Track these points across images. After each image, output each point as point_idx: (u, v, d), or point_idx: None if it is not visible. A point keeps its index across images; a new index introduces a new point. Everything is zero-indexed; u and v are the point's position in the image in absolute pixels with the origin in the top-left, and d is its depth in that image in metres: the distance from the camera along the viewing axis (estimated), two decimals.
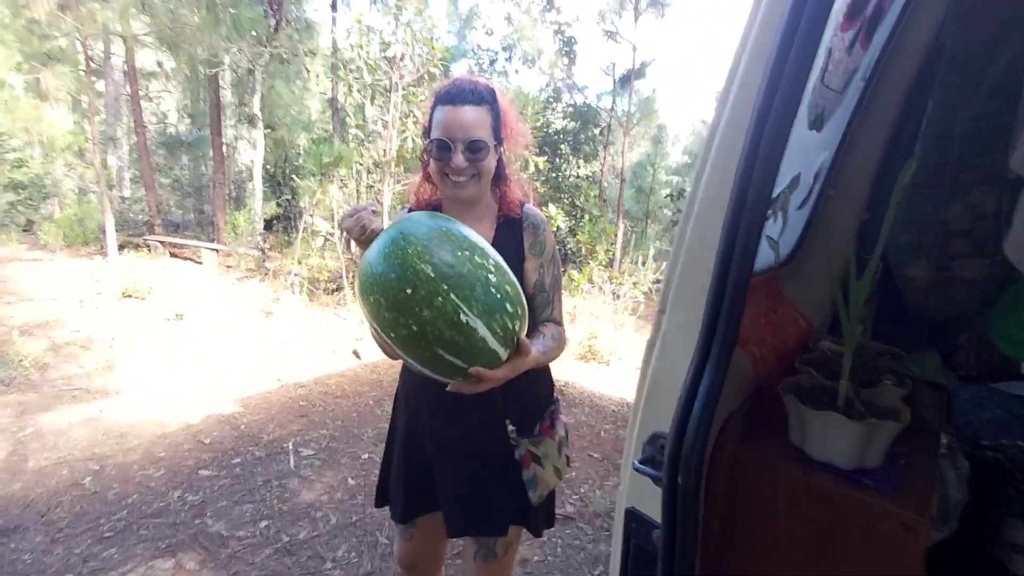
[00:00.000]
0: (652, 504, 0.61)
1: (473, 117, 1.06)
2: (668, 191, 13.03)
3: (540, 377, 1.31)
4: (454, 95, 1.07)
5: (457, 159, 1.07)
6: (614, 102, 11.01)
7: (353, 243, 1.01)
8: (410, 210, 1.24)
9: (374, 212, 0.98)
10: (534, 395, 1.27)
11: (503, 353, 0.90)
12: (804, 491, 0.60)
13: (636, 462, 0.60)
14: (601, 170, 11.84)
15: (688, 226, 0.61)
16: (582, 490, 2.88)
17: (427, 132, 1.14)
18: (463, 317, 0.80)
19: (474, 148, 1.06)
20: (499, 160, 1.16)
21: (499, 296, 0.85)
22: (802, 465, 0.63)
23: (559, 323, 1.24)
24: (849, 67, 0.88)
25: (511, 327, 0.88)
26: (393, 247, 0.84)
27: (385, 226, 0.94)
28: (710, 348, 0.50)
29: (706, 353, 0.51)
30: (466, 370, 0.86)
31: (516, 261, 1.16)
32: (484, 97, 1.09)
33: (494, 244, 1.15)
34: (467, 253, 0.85)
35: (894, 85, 0.98)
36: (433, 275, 0.80)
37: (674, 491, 0.51)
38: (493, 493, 1.19)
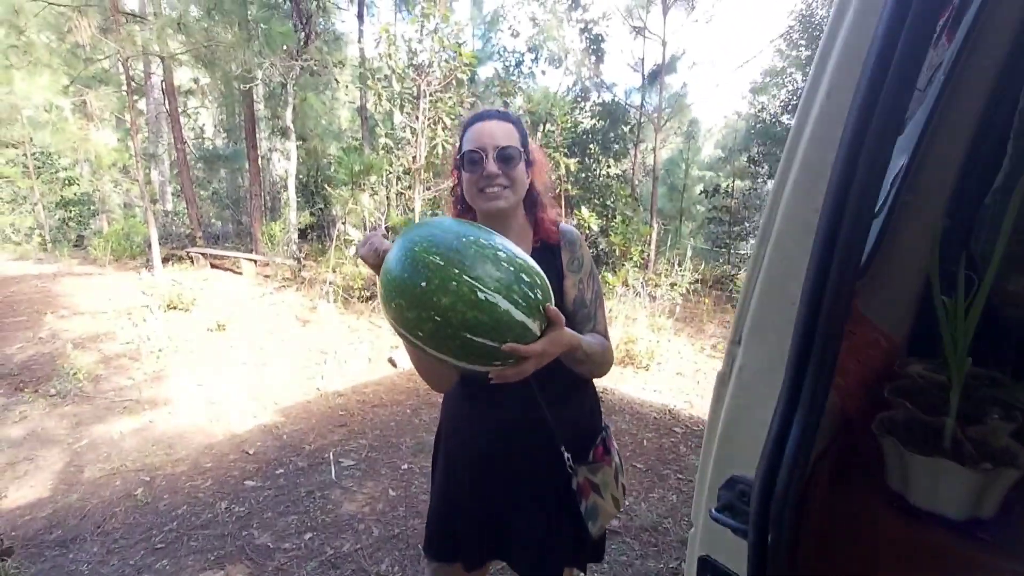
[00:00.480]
0: (729, 554, 0.56)
1: (501, 128, 1.10)
2: (702, 187, 12.73)
3: (588, 400, 1.27)
4: (480, 114, 1.13)
5: (490, 166, 1.08)
6: (643, 99, 10.83)
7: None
8: None
9: (384, 236, 0.99)
10: (585, 419, 1.23)
11: (532, 325, 0.88)
12: (911, 546, 0.53)
13: (713, 510, 0.55)
14: (632, 168, 11.66)
15: (766, 250, 0.55)
16: (627, 502, 2.80)
17: (457, 165, 1.16)
18: (481, 295, 0.81)
19: (505, 156, 1.08)
20: (531, 184, 1.17)
21: (512, 269, 0.86)
22: (906, 516, 0.56)
23: (603, 335, 1.19)
24: (934, 62, 0.80)
25: (532, 295, 0.87)
26: (401, 250, 0.86)
27: None
28: (801, 385, 0.45)
29: (797, 391, 0.45)
30: (499, 349, 0.84)
31: (556, 281, 1.14)
32: (509, 116, 1.14)
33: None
34: (471, 238, 0.86)
35: (978, 77, 0.89)
36: (442, 263, 0.81)
37: (762, 546, 0.45)
38: (551, 526, 1.14)
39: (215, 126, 15.18)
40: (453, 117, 5.01)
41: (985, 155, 0.95)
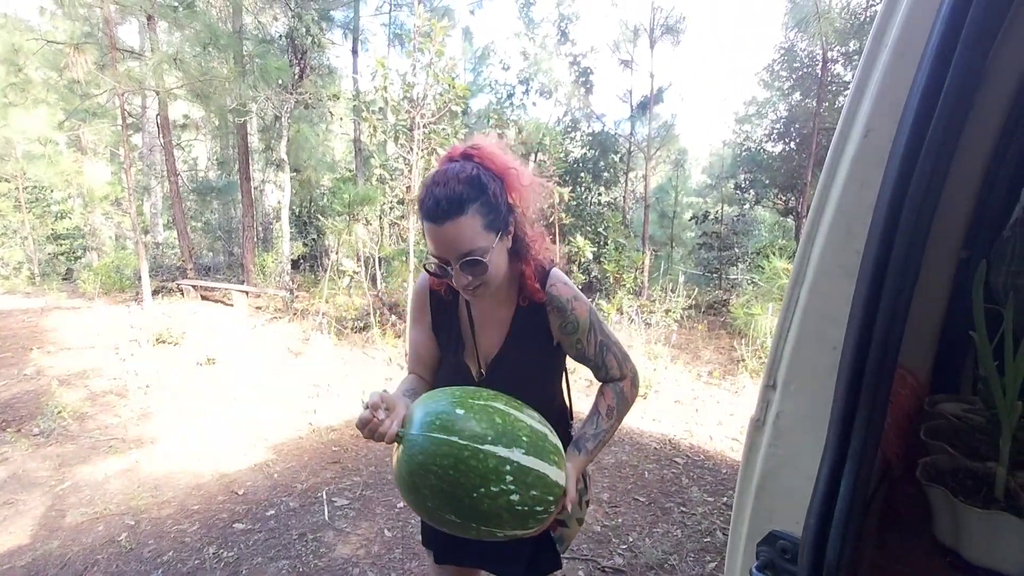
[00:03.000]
0: None
1: (457, 233, 0.95)
2: (691, 214, 12.90)
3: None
4: (430, 212, 0.95)
5: (458, 279, 0.99)
6: (632, 128, 11.03)
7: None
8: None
9: (386, 410, 0.91)
10: None
11: (556, 475, 0.97)
12: None
13: (754, 569, 0.50)
14: (623, 196, 11.80)
15: (800, 292, 0.52)
16: (630, 539, 2.71)
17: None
18: (500, 533, 0.92)
19: (470, 264, 0.97)
20: (514, 236, 1.06)
21: (527, 493, 0.92)
22: (961, 573, 0.51)
23: (619, 378, 1.18)
24: None
25: (544, 507, 0.95)
26: (414, 497, 0.91)
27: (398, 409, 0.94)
28: (850, 435, 0.41)
29: (845, 441, 0.42)
30: (545, 515, 0.95)
31: (543, 341, 1.13)
32: (463, 201, 0.94)
33: (513, 327, 1.13)
34: (481, 489, 0.89)
35: (991, 108, 0.89)
36: (459, 521, 0.90)
37: None
38: (523, 554, 1.19)
39: (209, 158, 15.25)
40: (446, 149, 5.06)
41: (1007, 180, 0.94)
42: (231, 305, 8.07)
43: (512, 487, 0.89)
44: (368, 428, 0.88)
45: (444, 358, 1.20)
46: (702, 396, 5.04)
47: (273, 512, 2.98)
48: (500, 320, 1.14)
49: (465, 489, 0.87)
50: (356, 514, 2.96)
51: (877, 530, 0.57)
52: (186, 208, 11.13)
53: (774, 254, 6.26)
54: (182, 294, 8.37)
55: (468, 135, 6.14)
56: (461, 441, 0.88)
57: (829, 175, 0.53)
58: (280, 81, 6.74)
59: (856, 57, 11.01)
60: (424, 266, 1.04)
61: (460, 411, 0.93)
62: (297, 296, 8.09)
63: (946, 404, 0.74)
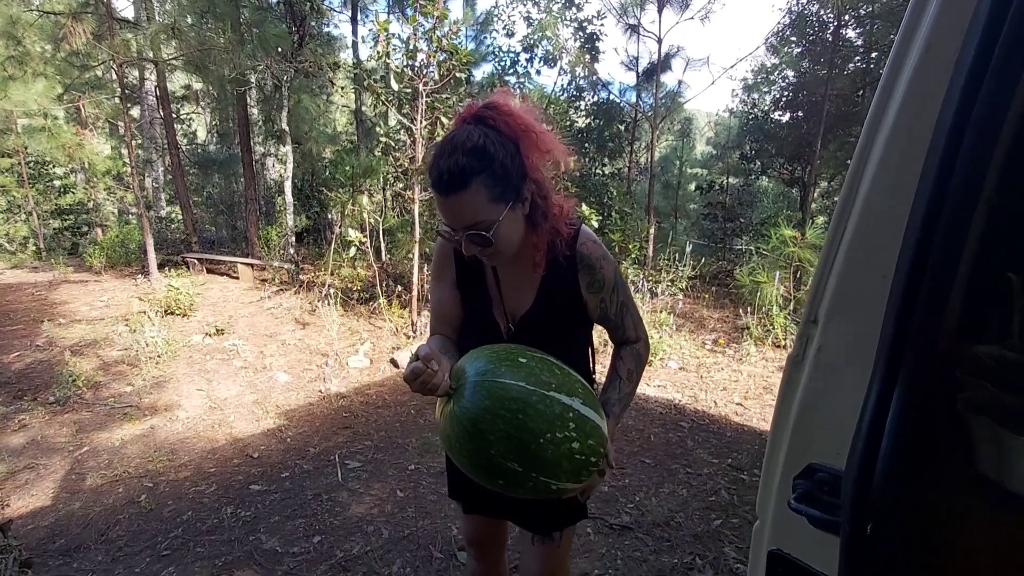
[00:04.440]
0: (804, 547, 0.52)
1: (461, 206, 0.94)
2: (696, 184, 12.75)
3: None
4: (436, 183, 0.94)
5: (466, 249, 0.99)
6: (638, 97, 10.82)
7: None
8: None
9: (436, 367, 0.89)
10: None
11: (605, 427, 1.00)
12: (1017, 536, 0.48)
13: (793, 500, 0.51)
14: (628, 167, 11.66)
15: (849, 221, 0.52)
16: (637, 498, 2.78)
17: None
18: (554, 486, 0.92)
19: (475, 237, 0.97)
20: (532, 202, 1.02)
21: (578, 456, 0.93)
22: (1006, 503, 0.51)
23: (635, 340, 1.20)
24: None
25: (593, 454, 0.96)
26: (475, 444, 0.90)
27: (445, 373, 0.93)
28: (900, 363, 0.42)
29: (895, 369, 0.42)
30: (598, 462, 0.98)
31: (573, 299, 1.12)
32: (468, 173, 0.91)
33: (543, 285, 1.12)
34: (545, 435, 0.89)
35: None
36: (521, 470, 0.88)
37: (858, 539, 0.42)
38: (550, 504, 1.19)
39: (208, 131, 15.09)
40: (450, 117, 4.99)
41: None
42: (236, 278, 8.10)
43: (574, 434, 0.90)
44: (420, 380, 0.86)
45: (470, 315, 1.19)
46: (706, 363, 5.08)
47: (287, 474, 3.06)
48: (529, 277, 1.12)
49: (532, 434, 0.87)
50: (369, 476, 3.03)
51: (914, 461, 0.57)
52: (188, 182, 11.07)
53: (780, 223, 6.21)
54: (187, 267, 8.40)
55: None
56: (529, 387, 0.89)
57: (884, 96, 0.51)
58: (279, 49, 6.60)
59: (870, 21, 10.70)
60: (437, 231, 1.04)
61: (523, 359, 0.94)
62: (302, 268, 8.10)
63: (980, 347, 0.74)
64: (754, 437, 3.59)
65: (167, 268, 8.16)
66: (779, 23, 11.58)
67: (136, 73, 10.84)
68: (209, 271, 8.50)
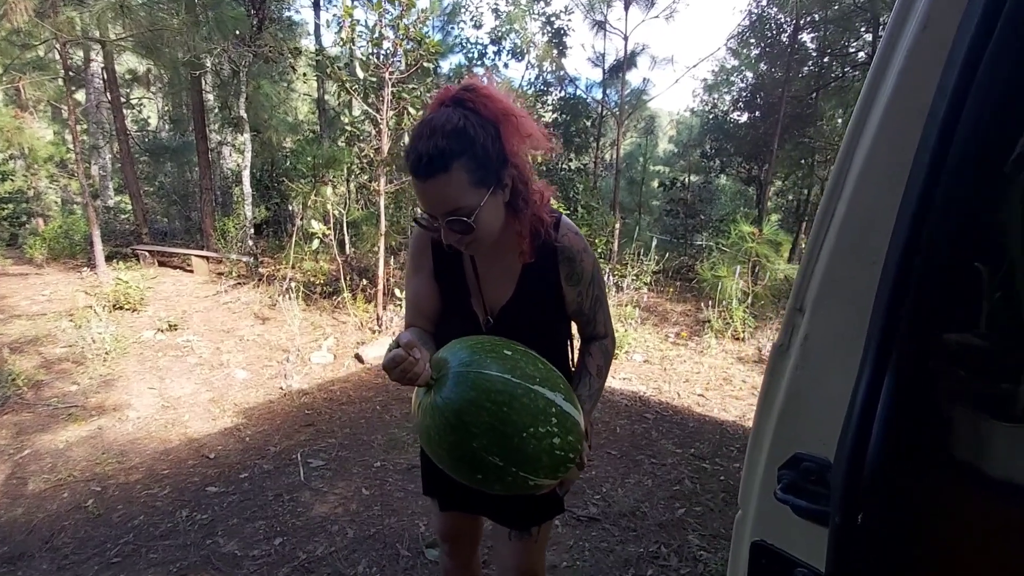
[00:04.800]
0: (789, 537, 0.53)
1: (441, 191, 0.90)
2: (659, 181, 12.99)
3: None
4: (413, 167, 0.91)
5: (446, 237, 0.96)
6: (604, 93, 10.93)
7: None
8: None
9: (419, 355, 0.86)
10: None
11: (582, 424, 0.99)
12: (996, 520, 0.48)
13: (779, 491, 0.51)
14: (594, 162, 11.76)
15: (837, 207, 0.51)
16: (604, 489, 2.81)
17: None
18: (531, 482, 0.91)
19: (455, 224, 0.93)
20: (513, 189, 1.00)
21: (558, 452, 0.92)
22: (984, 489, 0.52)
23: (603, 336, 1.19)
24: None
25: (571, 453, 0.95)
26: (456, 436, 0.88)
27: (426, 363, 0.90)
28: (891, 349, 0.42)
29: (886, 356, 0.42)
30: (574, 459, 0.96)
31: (553, 291, 1.11)
32: (448, 157, 0.88)
33: (523, 276, 1.09)
34: (528, 431, 0.88)
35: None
36: (501, 465, 0.87)
37: (848, 529, 0.42)
38: (528, 501, 1.19)
39: (161, 117, 14.38)
40: (418, 108, 4.90)
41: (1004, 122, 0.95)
42: (191, 271, 7.78)
43: (555, 430, 0.89)
44: (400, 368, 0.83)
45: (448, 307, 1.16)
46: (670, 356, 5.19)
47: (247, 475, 2.96)
48: (508, 268, 1.10)
49: (516, 428, 0.85)
50: (332, 474, 2.96)
51: (904, 449, 0.58)
52: (138, 170, 10.53)
53: (738, 219, 6.39)
54: (138, 260, 8.01)
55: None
56: (515, 379, 0.88)
57: (877, 75, 0.50)
58: (237, 32, 6.31)
59: (823, 26, 11.10)
60: (414, 219, 1.01)
61: (508, 352, 0.92)
62: (261, 262, 7.84)
63: (951, 335, 0.75)
64: (715, 427, 3.69)
65: (115, 261, 7.74)
66: (739, 25, 11.88)
67: (81, 54, 10.21)
68: (161, 264, 8.13)
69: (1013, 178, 0.45)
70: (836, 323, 0.51)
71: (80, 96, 10.82)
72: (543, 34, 9.83)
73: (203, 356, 4.79)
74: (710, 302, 6.07)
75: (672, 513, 2.63)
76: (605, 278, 6.41)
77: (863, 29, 10.83)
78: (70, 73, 7.26)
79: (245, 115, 7.13)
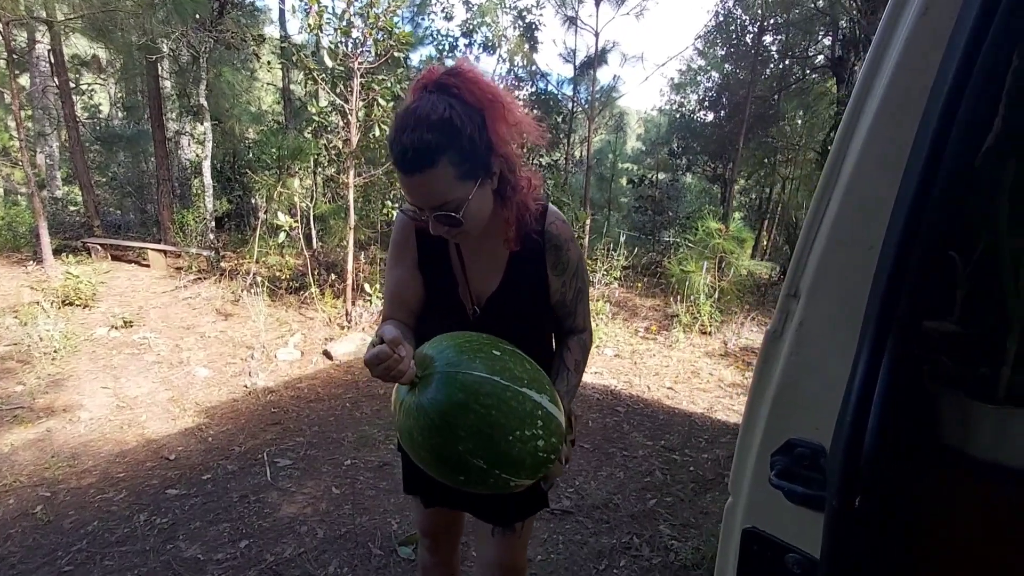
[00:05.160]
0: (781, 524, 0.53)
1: (428, 185, 0.88)
2: (627, 178, 13.15)
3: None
4: (399, 160, 0.88)
5: (434, 228, 0.94)
6: (575, 89, 10.97)
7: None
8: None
9: (403, 352, 0.83)
10: None
11: (564, 425, 0.97)
12: (983, 500, 0.49)
13: (773, 477, 0.51)
14: (565, 158, 11.81)
15: (833, 193, 0.51)
16: (576, 483, 2.82)
17: None
18: (513, 483, 0.89)
19: (443, 218, 0.92)
20: (501, 176, 0.97)
21: (540, 454, 0.90)
22: (969, 470, 0.53)
23: (581, 329, 1.18)
24: None
25: (551, 452, 0.94)
26: (441, 439, 0.86)
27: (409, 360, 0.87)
28: (886, 337, 0.42)
29: (883, 339, 0.42)
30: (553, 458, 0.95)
31: (538, 279, 1.09)
32: (434, 151, 0.85)
33: (510, 265, 1.07)
34: (514, 434, 0.87)
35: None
36: (485, 467, 0.85)
37: (844, 513, 0.42)
38: (513, 496, 1.15)
39: (114, 104, 13.69)
40: (388, 99, 4.79)
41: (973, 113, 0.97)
42: (147, 265, 7.45)
43: (540, 432, 0.88)
44: (384, 366, 0.80)
45: (433, 298, 1.13)
46: (640, 350, 5.26)
47: (210, 476, 2.85)
48: (495, 257, 1.07)
49: (503, 431, 0.84)
50: (301, 474, 2.88)
51: (901, 433, 0.58)
52: (89, 159, 10.01)
53: (707, 216, 6.53)
54: (89, 254, 7.61)
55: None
56: (503, 381, 0.85)
57: (875, 61, 0.50)
58: (197, 16, 6.04)
59: (785, 29, 11.42)
60: (400, 208, 0.97)
61: (496, 352, 0.90)
62: (223, 256, 7.57)
63: (929, 323, 0.77)
64: (684, 419, 3.76)
65: (64, 254, 7.34)
66: (706, 26, 12.13)
67: (25, 35, 9.61)
68: (115, 258, 7.75)
69: (984, 171, 0.46)
70: (831, 309, 0.51)
71: (24, 80, 10.21)
72: (515, 28, 9.80)
73: (161, 354, 4.59)
74: (678, 297, 6.18)
75: (644, 504, 2.66)
76: None
77: (822, 33, 11.20)
78: (14, 56, 6.83)
79: (206, 103, 6.85)
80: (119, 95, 13.12)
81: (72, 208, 10.78)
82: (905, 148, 0.43)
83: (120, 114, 13.12)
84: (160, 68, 8.27)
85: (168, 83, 10.01)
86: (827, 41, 11.08)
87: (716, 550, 2.10)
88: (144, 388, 3.98)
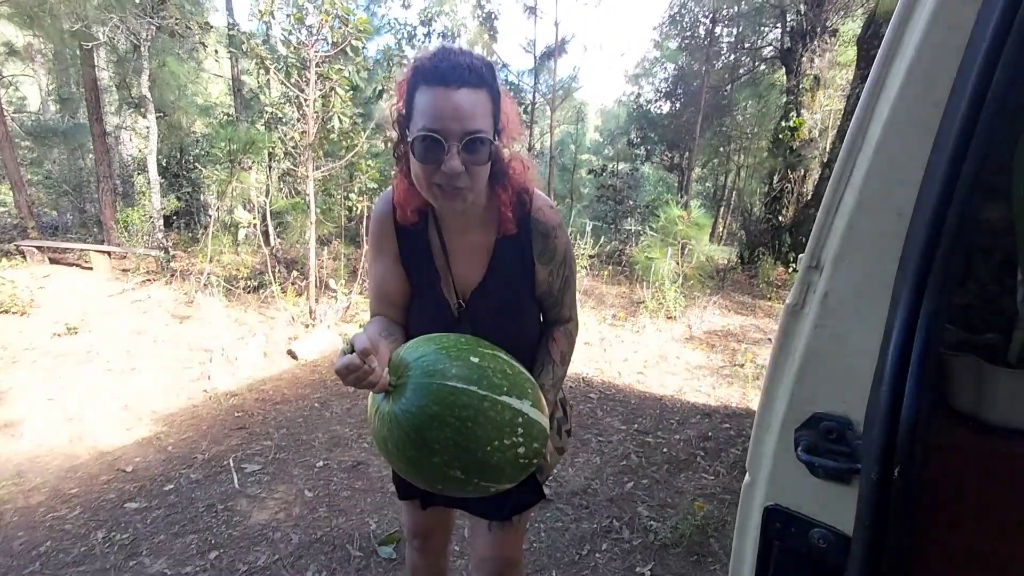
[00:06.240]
0: (803, 499, 0.52)
1: (471, 103, 0.82)
2: (588, 168, 13.26)
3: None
4: (446, 73, 0.81)
5: (452, 161, 0.84)
6: (536, 80, 10.94)
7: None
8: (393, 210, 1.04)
9: (375, 363, 0.79)
10: None
11: (547, 426, 0.96)
12: (1000, 463, 0.50)
13: (801, 452, 0.50)
14: (528, 149, 11.81)
15: (859, 160, 0.50)
16: (555, 470, 2.83)
17: (402, 120, 0.90)
18: (492, 488, 0.89)
19: (472, 146, 0.84)
20: (497, 156, 0.95)
21: (522, 460, 0.89)
22: (985, 434, 0.53)
23: (567, 320, 1.16)
24: None
25: (533, 458, 0.93)
26: (417, 452, 0.83)
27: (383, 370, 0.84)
28: (919, 306, 0.41)
29: (916, 308, 0.41)
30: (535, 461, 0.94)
31: (524, 268, 1.05)
32: (484, 76, 0.84)
33: (495, 255, 1.03)
34: (491, 444, 0.85)
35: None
36: (462, 477, 0.84)
37: (886, 484, 0.41)
38: (510, 491, 1.12)
39: (45, 96, 12.77)
40: (347, 89, 4.63)
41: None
42: (90, 268, 7.00)
43: (520, 439, 0.85)
44: (355, 376, 0.76)
45: (416, 292, 1.08)
46: (609, 337, 5.33)
47: (172, 486, 2.71)
48: (479, 247, 1.03)
49: (480, 442, 0.81)
50: (271, 478, 2.78)
51: (937, 402, 0.57)
52: (19, 156, 9.32)
53: (670, 203, 6.65)
54: (24, 257, 7.10)
55: (370, 77, 5.69)
56: (481, 391, 0.82)
57: (904, 15, 0.48)
58: (136, 1, 5.67)
59: (738, 20, 11.73)
60: (414, 140, 0.85)
61: (474, 359, 0.86)
62: (174, 256, 7.21)
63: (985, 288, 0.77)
64: (655, 402, 3.83)
65: None
66: (663, 17, 12.33)
67: None
68: (53, 261, 7.26)
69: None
70: (857, 278, 0.50)
71: None
72: (474, 17, 9.67)
73: (111, 361, 4.33)
74: (644, 284, 6.28)
75: (621, 488, 2.69)
76: None
77: (771, 26, 11.55)
78: None
79: (149, 95, 6.45)
80: (51, 86, 12.24)
81: (2, 209, 10.03)
82: (937, 110, 0.42)
83: (54, 107, 12.25)
84: (96, 57, 7.74)
85: (106, 74, 9.39)
86: (776, 33, 11.44)
87: (693, 528, 2.12)
88: (94, 398, 3.74)
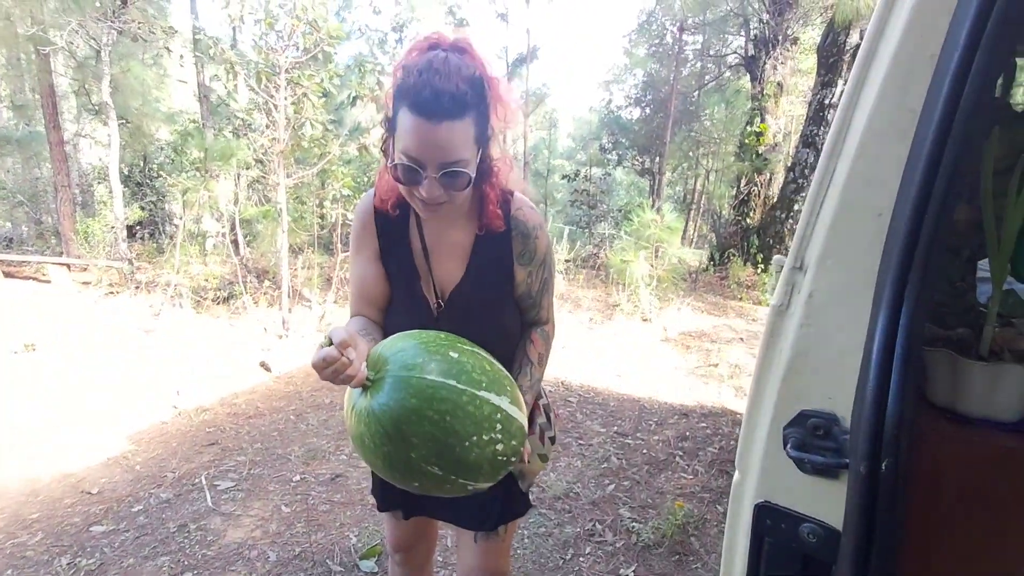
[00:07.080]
0: (793, 495, 0.53)
1: (450, 138, 0.82)
2: (562, 174, 13.39)
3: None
4: (428, 105, 0.80)
5: (430, 189, 0.85)
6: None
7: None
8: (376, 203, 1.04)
9: (353, 356, 0.78)
10: None
11: (525, 425, 0.95)
12: (976, 455, 0.52)
13: (790, 450, 0.51)
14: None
15: (838, 163, 0.52)
16: (537, 476, 2.83)
17: (388, 122, 0.90)
18: (471, 487, 0.87)
19: (451, 175, 0.85)
20: (482, 155, 0.94)
21: (500, 458, 0.88)
22: (961, 426, 0.55)
23: (544, 322, 1.16)
24: None
25: (511, 456, 0.91)
26: (396, 450, 0.82)
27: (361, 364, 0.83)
28: (901, 303, 0.42)
29: (898, 305, 0.42)
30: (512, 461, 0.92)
31: (504, 268, 1.05)
32: (466, 104, 0.82)
33: (474, 255, 1.03)
34: (472, 439, 0.84)
35: None
36: (440, 474, 0.83)
37: (873, 479, 0.43)
38: (495, 502, 1.12)
39: None
40: (319, 95, 4.57)
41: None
42: (47, 281, 6.73)
43: (499, 436, 0.85)
44: (332, 369, 0.75)
45: (395, 291, 1.07)
46: (586, 340, 5.37)
47: (141, 507, 2.61)
48: (458, 246, 1.03)
49: (459, 437, 0.80)
50: (245, 495, 2.70)
51: (919, 395, 0.59)
52: None
53: (644, 206, 6.76)
54: None
55: (342, 83, 5.63)
56: (460, 386, 0.81)
57: (879, 26, 0.50)
58: (97, 5, 5.49)
59: (704, 29, 12.04)
60: (395, 166, 0.86)
61: (453, 354, 0.85)
62: (138, 267, 6.98)
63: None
64: (633, 404, 3.87)
65: None
66: (632, 25, 12.58)
67: None
68: (8, 275, 6.95)
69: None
70: (841, 278, 0.51)
71: None
72: (446, 24, 9.68)
73: (73, 378, 4.16)
74: (620, 287, 6.36)
75: (603, 490, 2.71)
76: None
77: (735, 33, 11.89)
78: None
79: (110, 101, 6.24)
80: (4, 92, 11.75)
81: None
82: (912, 116, 0.44)
83: (7, 114, 11.75)
84: (54, 62, 7.46)
85: (65, 79, 9.05)
86: (740, 41, 11.78)
87: (674, 527, 2.14)
88: (55, 417, 3.58)
